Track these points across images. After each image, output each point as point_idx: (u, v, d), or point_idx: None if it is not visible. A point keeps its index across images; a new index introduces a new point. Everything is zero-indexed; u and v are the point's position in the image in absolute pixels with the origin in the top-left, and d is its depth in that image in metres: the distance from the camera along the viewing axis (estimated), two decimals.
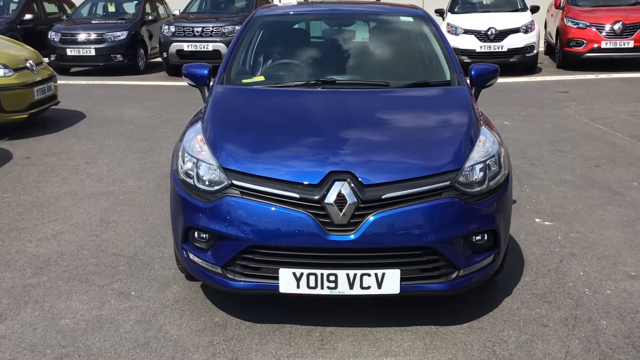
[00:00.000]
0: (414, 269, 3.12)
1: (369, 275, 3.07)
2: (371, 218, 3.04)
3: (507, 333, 3.25)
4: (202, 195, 3.26)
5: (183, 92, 10.89)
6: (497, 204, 3.29)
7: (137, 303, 3.63)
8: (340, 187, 3.06)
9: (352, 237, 3.03)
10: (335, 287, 3.09)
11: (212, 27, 12.81)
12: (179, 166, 3.45)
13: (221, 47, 12.58)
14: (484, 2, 14.05)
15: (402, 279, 3.08)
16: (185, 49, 12.75)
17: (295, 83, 4.08)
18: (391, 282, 3.07)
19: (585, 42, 12.55)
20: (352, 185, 3.06)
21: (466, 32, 12.72)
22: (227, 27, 12.80)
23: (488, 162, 3.30)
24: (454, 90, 3.96)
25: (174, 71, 13.23)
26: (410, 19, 4.68)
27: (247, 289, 3.19)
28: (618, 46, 12.45)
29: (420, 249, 3.10)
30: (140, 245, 4.44)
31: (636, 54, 12.46)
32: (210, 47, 12.69)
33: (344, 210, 3.03)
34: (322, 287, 3.09)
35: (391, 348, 3.15)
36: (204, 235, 3.30)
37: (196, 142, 3.47)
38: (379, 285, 3.08)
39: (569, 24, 12.81)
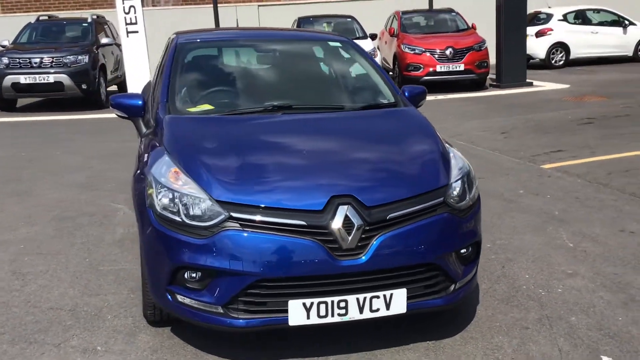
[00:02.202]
0: (418, 286, 3.16)
1: (378, 297, 3.06)
2: (379, 239, 3.03)
3: (498, 339, 3.40)
4: (194, 232, 3.05)
5: (26, 129, 10.10)
6: (477, 216, 3.44)
7: (110, 358, 3.28)
8: (346, 211, 3.02)
9: (363, 260, 3.00)
10: (346, 313, 3.04)
11: (52, 58, 11.98)
12: (154, 202, 3.20)
13: (64, 78, 11.82)
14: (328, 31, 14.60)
15: (408, 298, 3.11)
16: (22, 81, 11.80)
17: (250, 110, 3.96)
18: (399, 302, 3.09)
19: (422, 66, 13.51)
20: (356, 208, 3.04)
21: None
22: (68, 57, 12.06)
23: (464, 177, 3.45)
24: (408, 112, 4.08)
25: (8, 106, 12.16)
26: (339, 44, 4.76)
27: (253, 327, 3.03)
28: (451, 69, 13.55)
29: (424, 265, 3.15)
30: (76, 296, 4.02)
31: (467, 75, 13.66)
32: (52, 78, 11.86)
33: (352, 234, 3.00)
34: (332, 315, 3.02)
35: None
36: (196, 275, 3.08)
37: (172, 175, 3.24)
38: (387, 306, 3.08)
39: (406, 50, 13.72)
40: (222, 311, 3.04)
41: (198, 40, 4.69)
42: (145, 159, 3.62)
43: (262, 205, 3.03)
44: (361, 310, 3.04)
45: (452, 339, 3.40)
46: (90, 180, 7.02)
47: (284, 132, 3.71)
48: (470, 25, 15.05)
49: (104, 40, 13.39)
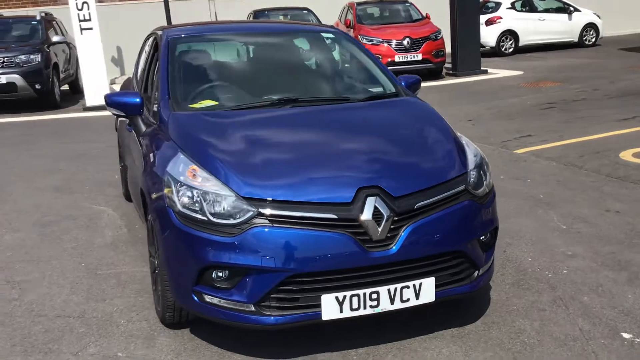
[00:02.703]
0: (445, 274, 3.18)
1: (408, 287, 3.06)
2: (407, 229, 3.04)
3: (520, 322, 3.45)
4: (220, 230, 2.98)
5: None
6: (493, 203, 3.48)
7: None
8: (374, 202, 3.01)
9: (393, 250, 3.00)
10: (378, 305, 3.03)
11: (3, 58, 11.53)
12: (175, 202, 3.12)
13: (16, 78, 11.42)
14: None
15: (436, 286, 3.12)
16: None
17: (257, 104, 3.90)
18: (428, 290, 3.10)
19: (380, 57, 13.55)
20: (384, 198, 3.04)
21: None
22: (20, 56, 11.65)
23: (480, 164, 3.48)
24: (414, 101, 4.08)
25: None
26: (332, 35, 4.73)
27: (286, 323, 2.99)
28: (409, 59, 13.67)
29: (450, 253, 3.17)
30: (81, 302, 3.89)
31: (424, 65, 13.80)
32: (4, 79, 11.42)
33: (381, 225, 2.99)
34: (364, 307, 3.02)
35: (435, 356, 3.16)
36: (224, 274, 3.02)
37: (190, 173, 3.16)
38: (417, 296, 3.08)
39: (364, 41, 13.75)
40: (254, 309, 2.99)
41: (191, 34, 4.58)
42: (153, 159, 3.53)
43: (291, 200, 2.99)
44: (392, 301, 3.04)
45: (474, 325, 3.43)
46: (65, 183, 6.81)
47: (298, 125, 3.66)
48: (424, 15, 15.20)
49: (55, 38, 12.97)
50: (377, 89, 4.22)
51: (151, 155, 3.62)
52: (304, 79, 4.35)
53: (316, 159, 3.29)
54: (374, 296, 3.01)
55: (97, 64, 11.73)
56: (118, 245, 4.85)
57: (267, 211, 2.96)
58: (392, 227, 3.02)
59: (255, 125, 3.65)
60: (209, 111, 3.80)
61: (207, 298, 3.07)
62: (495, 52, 17.85)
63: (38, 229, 5.31)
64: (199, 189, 3.08)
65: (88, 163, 7.67)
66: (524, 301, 3.69)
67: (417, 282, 3.07)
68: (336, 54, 4.64)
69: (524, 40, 18.18)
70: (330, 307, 2.97)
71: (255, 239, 2.94)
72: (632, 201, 5.31)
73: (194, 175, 3.15)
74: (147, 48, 5.13)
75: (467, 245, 3.21)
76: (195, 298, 3.10)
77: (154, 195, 3.32)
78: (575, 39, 18.79)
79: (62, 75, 13.03)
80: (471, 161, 3.43)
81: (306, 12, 14.85)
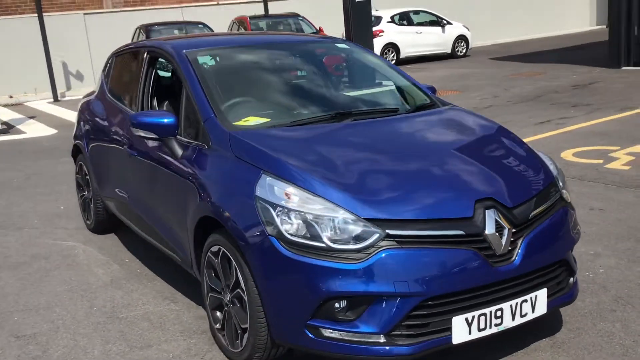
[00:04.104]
0: (553, 284, 3.13)
1: (526, 301, 2.97)
2: (525, 240, 2.95)
3: (602, 325, 3.46)
4: (343, 256, 2.73)
5: None
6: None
7: None
8: (494, 215, 2.90)
9: (515, 263, 2.90)
10: (501, 323, 2.91)
11: None
12: (279, 229, 2.81)
13: None
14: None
15: (547, 297, 3.06)
16: None
17: (316, 118, 3.63)
18: (541, 302, 3.03)
19: None
20: (501, 210, 2.93)
21: None
22: None
23: (559, 169, 3.47)
24: (464, 111, 4.00)
25: None
26: (346, 46, 4.55)
27: (419, 352, 2.78)
28: None
29: (558, 262, 3.12)
30: (124, 352, 3.44)
31: None
32: None
33: (504, 238, 2.88)
34: (490, 326, 2.89)
35: None
36: (346, 304, 2.76)
37: (289, 195, 2.87)
38: (533, 309, 3.00)
39: None
40: (384, 340, 2.75)
41: (207, 47, 4.20)
42: (219, 184, 3.18)
43: (414, 219, 2.80)
44: (513, 316, 2.94)
45: (562, 333, 3.40)
46: (3, 218, 6.02)
47: (377, 140, 3.44)
48: (317, 28, 15.30)
49: None
50: (415, 100, 4.09)
51: (210, 180, 3.26)
52: (348, 90, 4.14)
53: (420, 174, 3.11)
54: (499, 313, 2.89)
55: None
56: (120, 283, 4.35)
57: (394, 232, 2.75)
58: (511, 239, 2.92)
59: (335, 140, 3.41)
60: (269, 128, 3.48)
61: (326, 332, 2.79)
62: None
63: (9, 272, 4.64)
64: (309, 212, 2.80)
65: (15, 195, 6.87)
66: (588, 303, 3.73)
67: (533, 295, 2.98)
68: (361, 66, 4.46)
69: (404, 53, 18.88)
70: (461, 330, 2.82)
71: (385, 263, 2.71)
72: (607, 199, 5.58)
73: (293, 197, 2.87)
74: (133, 64, 4.66)
75: (568, 252, 3.18)
76: (310, 334, 2.81)
77: (239, 224, 2.97)
78: (449, 51, 19.80)
79: None
80: (552, 168, 3.41)
81: (202, 26, 14.39)
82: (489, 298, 2.88)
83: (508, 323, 2.93)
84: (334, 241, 2.75)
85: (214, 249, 3.24)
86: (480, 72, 16.01)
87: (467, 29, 20.17)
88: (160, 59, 4.35)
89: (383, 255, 2.72)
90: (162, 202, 3.86)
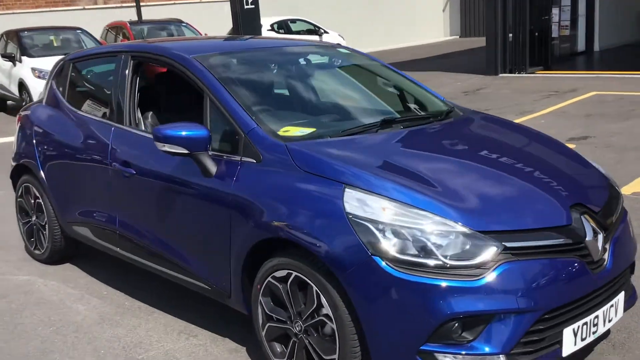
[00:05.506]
0: (627, 287, 3.12)
1: (612, 305, 2.94)
2: (612, 244, 2.92)
3: None
4: (461, 273, 2.53)
5: None
6: None
7: None
8: (590, 221, 2.83)
9: (608, 268, 2.85)
10: (596, 330, 2.86)
11: None
12: (383, 248, 2.56)
13: None
14: (55, 45, 12.86)
15: (625, 300, 3.05)
16: None
17: (362, 128, 3.36)
18: (620, 306, 3.01)
19: None
20: (592, 215, 2.88)
21: None
22: None
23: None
24: (491, 116, 3.91)
25: None
26: (347, 51, 4.32)
27: None
28: None
29: (632, 265, 3.12)
30: None
31: None
32: None
33: (599, 244, 2.83)
34: (589, 335, 2.82)
35: None
36: (464, 324, 2.56)
37: (388, 210, 2.62)
38: (616, 312, 2.98)
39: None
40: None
41: (219, 53, 3.77)
42: (289, 201, 2.85)
43: (524, 229, 2.67)
44: (604, 322, 2.89)
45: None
46: None
47: (446, 148, 3.26)
48: (203, 35, 14.80)
49: None
50: (435, 107, 3.94)
51: (270, 198, 2.92)
52: (377, 96, 3.91)
53: (510, 181, 2.96)
54: (596, 321, 2.83)
55: None
56: (114, 319, 3.81)
57: (510, 244, 2.59)
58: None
59: (405, 150, 3.19)
60: (324, 139, 3.18)
61: (442, 357, 2.56)
62: None
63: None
64: (416, 227, 2.57)
65: None
66: None
67: (616, 299, 2.95)
68: (372, 71, 4.24)
69: None
70: (569, 341, 2.72)
71: (506, 278, 2.55)
72: None
73: (391, 211, 2.63)
74: (108, 72, 4.13)
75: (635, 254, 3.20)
76: None
77: (328, 246, 2.67)
78: None
79: None
80: (603, 171, 3.42)
81: (80, 31, 13.34)
82: (589, 306, 2.81)
83: (600, 330, 2.88)
84: (450, 257, 2.55)
85: (280, 274, 2.90)
86: None
87: (343, 37, 20.48)
88: (148, 65, 3.88)
89: (503, 269, 2.55)
90: (183, 226, 3.41)
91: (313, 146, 3.07)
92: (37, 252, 4.79)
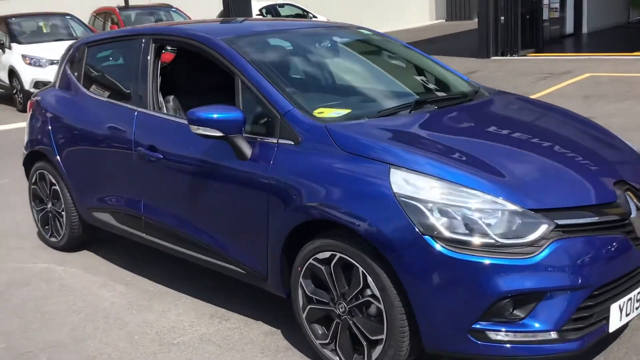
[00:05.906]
0: None
1: None
2: None
3: None
4: (515, 251, 2.53)
5: None
6: None
7: None
8: (633, 198, 2.85)
9: None
10: (639, 307, 2.87)
11: None
12: (435, 227, 2.55)
13: None
14: (45, 31, 12.65)
15: None
16: None
17: (397, 108, 3.34)
18: None
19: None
20: (635, 192, 2.89)
21: (53, 62, 11.26)
22: None
23: None
24: (521, 96, 3.92)
25: None
26: (369, 32, 4.28)
27: (585, 345, 2.65)
28: None
29: None
30: None
31: None
32: None
33: None
34: (633, 310, 2.85)
35: None
36: (516, 302, 2.57)
37: (437, 190, 2.61)
38: None
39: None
40: (555, 337, 2.59)
41: (249, 35, 3.73)
42: (333, 183, 2.83)
43: (575, 206, 2.68)
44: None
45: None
46: None
47: (485, 127, 3.26)
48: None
49: None
50: (462, 87, 3.92)
51: (311, 179, 2.90)
52: (410, 77, 3.90)
53: (555, 159, 2.97)
54: (639, 297, 2.85)
55: None
56: (142, 304, 3.79)
57: (562, 221, 2.60)
58: None
59: (446, 130, 3.19)
60: (363, 119, 3.15)
61: (494, 335, 2.57)
62: None
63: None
64: (466, 206, 2.57)
65: None
66: None
67: None
68: (395, 51, 4.21)
69: None
70: (615, 317, 2.74)
71: (558, 255, 2.56)
72: None
73: (440, 191, 2.62)
74: (130, 55, 4.07)
75: None
76: (474, 339, 2.58)
77: (376, 226, 2.65)
78: None
79: None
80: (632, 146, 3.44)
81: (69, 17, 13.13)
82: (633, 282, 2.83)
83: None
84: (502, 236, 2.55)
85: (323, 255, 2.89)
86: None
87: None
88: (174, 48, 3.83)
89: (555, 247, 2.56)
90: (216, 210, 3.38)
91: (353, 127, 3.04)
92: (53, 239, 4.72)
